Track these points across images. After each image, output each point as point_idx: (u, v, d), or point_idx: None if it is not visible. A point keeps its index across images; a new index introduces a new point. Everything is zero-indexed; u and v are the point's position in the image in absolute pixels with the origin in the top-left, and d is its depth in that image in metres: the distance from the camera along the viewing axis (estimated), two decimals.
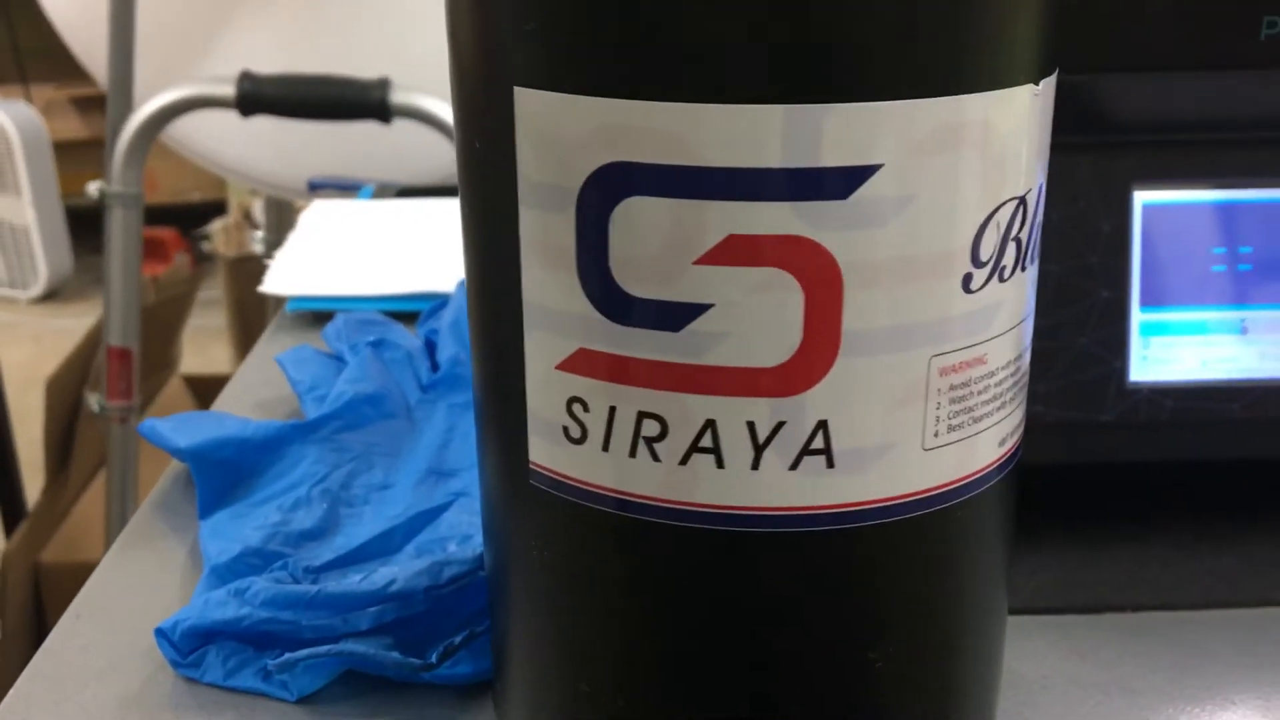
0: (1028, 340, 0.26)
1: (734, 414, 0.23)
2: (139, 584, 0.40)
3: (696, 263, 0.22)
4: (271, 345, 0.60)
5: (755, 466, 0.23)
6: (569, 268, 0.23)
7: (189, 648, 0.35)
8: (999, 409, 0.25)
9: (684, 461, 0.23)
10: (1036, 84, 0.23)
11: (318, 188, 1.17)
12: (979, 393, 0.24)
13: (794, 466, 0.23)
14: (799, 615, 0.25)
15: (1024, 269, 0.25)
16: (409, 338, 0.55)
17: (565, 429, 0.24)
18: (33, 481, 1.54)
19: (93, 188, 1.13)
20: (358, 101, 1.05)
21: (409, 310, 0.62)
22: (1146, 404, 0.38)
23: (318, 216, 0.77)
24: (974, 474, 0.25)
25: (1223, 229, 0.38)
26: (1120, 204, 0.38)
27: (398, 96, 1.05)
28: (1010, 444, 0.26)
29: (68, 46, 1.34)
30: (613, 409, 0.24)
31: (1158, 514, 0.41)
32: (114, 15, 1.14)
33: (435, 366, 0.53)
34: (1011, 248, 0.24)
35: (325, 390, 0.49)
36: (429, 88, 1.05)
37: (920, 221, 0.22)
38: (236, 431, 0.44)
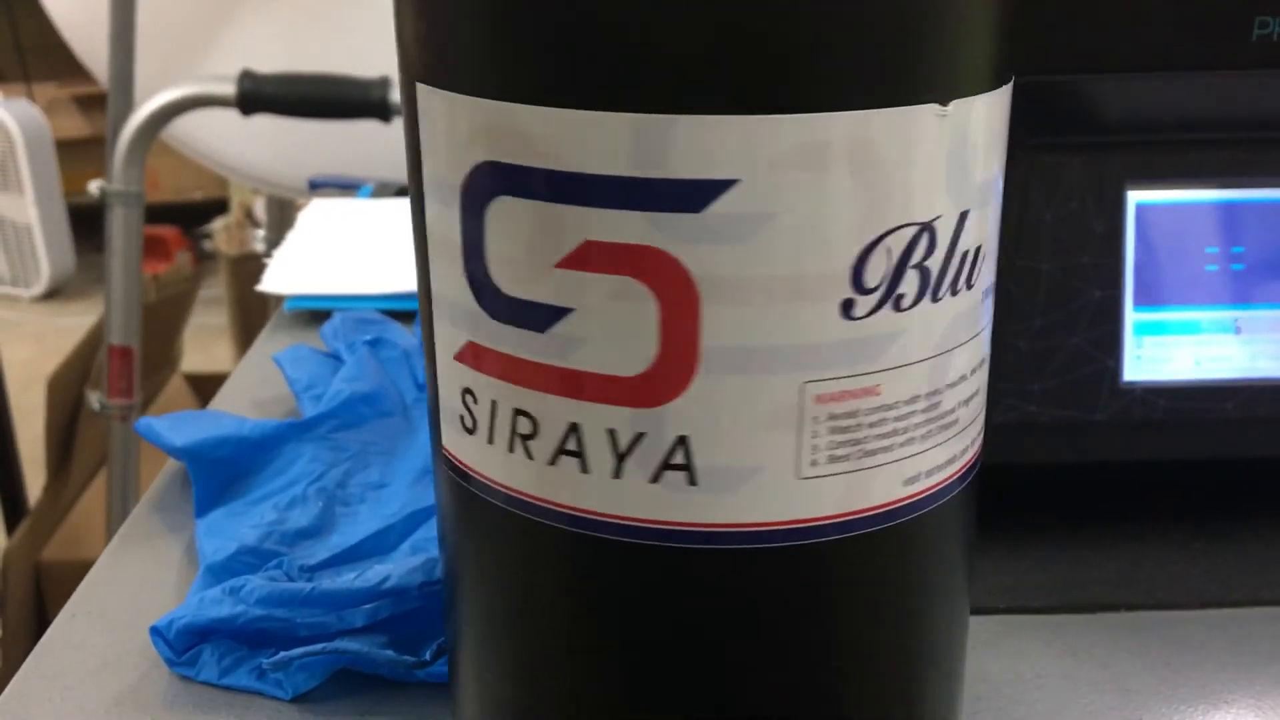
0: (957, 374, 0.24)
1: (596, 420, 0.23)
2: (135, 582, 0.40)
3: (557, 266, 0.22)
4: (269, 344, 0.61)
5: (617, 475, 0.23)
6: (458, 262, 0.24)
7: (184, 646, 0.35)
8: (903, 445, 0.24)
9: (552, 462, 0.23)
10: (944, 104, 0.22)
11: (318, 186, 1.17)
12: (871, 425, 0.23)
13: (655, 480, 0.23)
14: (661, 633, 0.24)
15: (935, 299, 0.23)
16: (406, 336, 0.55)
17: (461, 418, 0.25)
18: (34, 479, 1.54)
19: (94, 186, 1.13)
20: (358, 100, 1.05)
21: (406, 309, 0.62)
22: (1140, 403, 0.38)
23: (316, 215, 0.77)
24: (869, 510, 0.24)
25: (1216, 229, 0.38)
26: (1113, 204, 0.38)
27: (398, 95, 1.05)
28: (926, 484, 0.24)
29: (69, 45, 1.34)
30: (494, 403, 0.24)
31: (1151, 513, 0.41)
32: (115, 14, 1.15)
33: None
34: (913, 276, 0.22)
35: (322, 389, 0.50)
36: None
37: (785, 241, 0.21)
38: (233, 430, 0.44)
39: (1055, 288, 0.38)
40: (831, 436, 0.23)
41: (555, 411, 0.23)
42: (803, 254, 0.21)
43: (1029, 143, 0.37)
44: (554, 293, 0.22)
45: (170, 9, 1.23)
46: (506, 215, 0.22)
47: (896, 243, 0.22)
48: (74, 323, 2.75)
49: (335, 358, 0.53)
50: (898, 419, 0.23)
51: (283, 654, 0.34)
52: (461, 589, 0.27)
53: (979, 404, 0.26)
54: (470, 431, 0.25)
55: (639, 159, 0.21)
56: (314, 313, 0.64)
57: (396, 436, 0.47)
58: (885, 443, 0.23)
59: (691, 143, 0.21)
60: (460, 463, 0.25)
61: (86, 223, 3.07)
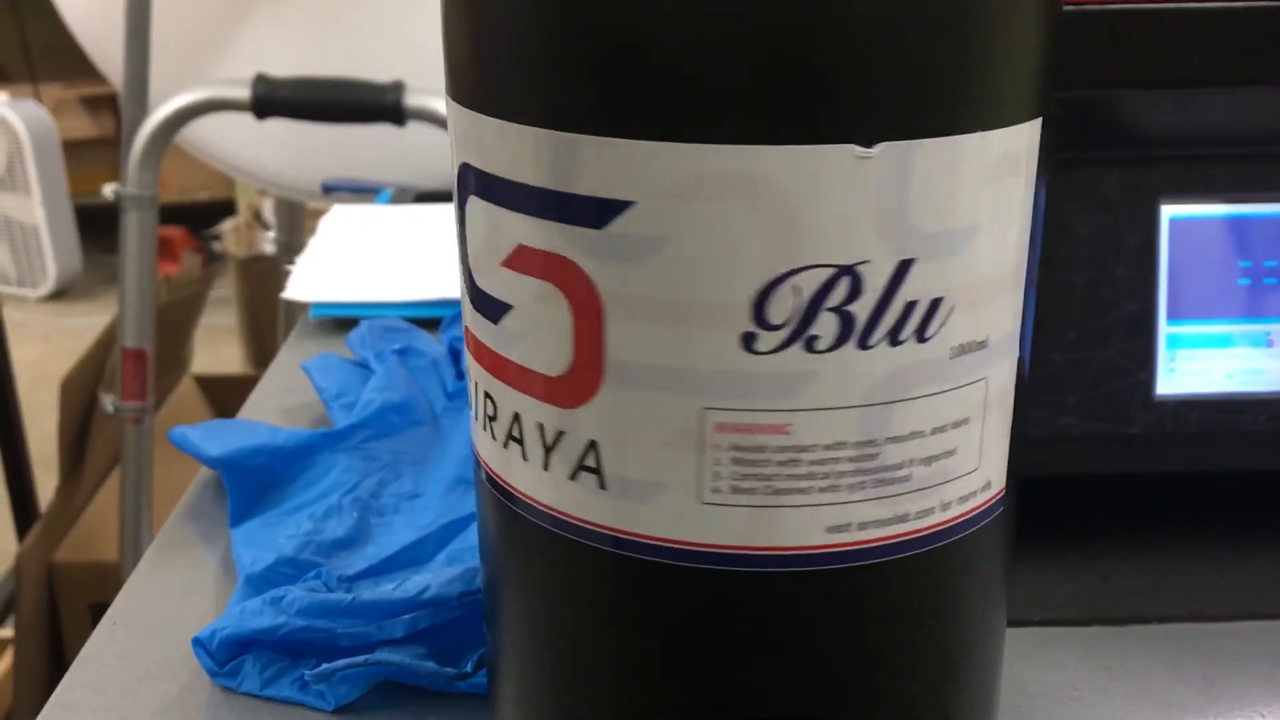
0: (907, 429, 0.23)
1: (529, 412, 0.24)
2: (173, 592, 0.40)
3: (502, 265, 0.24)
4: (294, 351, 0.61)
5: (546, 467, 0.24)
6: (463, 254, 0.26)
7: (226, 657, 0.36)
8: (823, 490, 0.23)
9: (505, 445, 0.25)
10: (868, 145, 0.21)
11: (332, 190, 1.17)
12: (780, 464, 0.22)
13: (572, 477, 0.24)
14: (575, 616, 0.26)
15: (865, 347, 0.22)
16: (434, 345, 0.55)
17: (470, 396, 0.27)
18: (43, 480, 1.55)
19: (108, 190, 1.13)
20: (372, 104, 1.06)
21: (431, 316, 0.63)
22: (1173, 416, 0.39)
23: (337, 221, 0.77)
24: (782, 549, 0.23)
25: (1249, 242, 0.39)
26: (1147, 218, 0.38)
27: (412, 99, 1.05)
28: (860, 536, 0.23)
29: (82, 48, 1.34)
30: (475, 384, 0.26)
31: (1184, 526, 0.42)
32: (130, 18, 1.15)
33: (460, 374, 0.53)
34: (832, 319, 0.22)
35: (352, 398, 0.50)
36: (443, 91, 1.05)
37: (678, 267, 0.21)
38: (267, 440, 0.44)
39: (1089, 301, 0.38)
40: (735, 467, 0.23)
41: (505, 399, 0.25)
42: (698, 281, 0.22)
43: (1063, 157, 0.37)
44: (501, 288, 0.24)
45: (184, 13, 1.23)
46: (474, 214, 0.25)
47: (807, 282, 0.21)
48: (81, 323, 2.76)
49: (363, 366, 0.53)
50: (814, 462, 0.23)
51: (325, 665, 0.34)
52: (492, 593, 0.29)
53: (964, 464, 0.24)
54: (476, 418, 0.27)
55: (554, 173, 0.22)
56: (339, 320, 0.64)
57: (428, 446, 0.47)
58: (801, 484, 0.23)
59: (593, 163, 0.22)
60: (482, 461, 0.27)
61: (93, 223, 3.07)
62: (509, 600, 0.27)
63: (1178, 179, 0.38)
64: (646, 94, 0.21)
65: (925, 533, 0.24)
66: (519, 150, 0.23)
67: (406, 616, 0.35)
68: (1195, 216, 0.38)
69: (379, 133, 1.08)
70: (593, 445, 0.23)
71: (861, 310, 0.22)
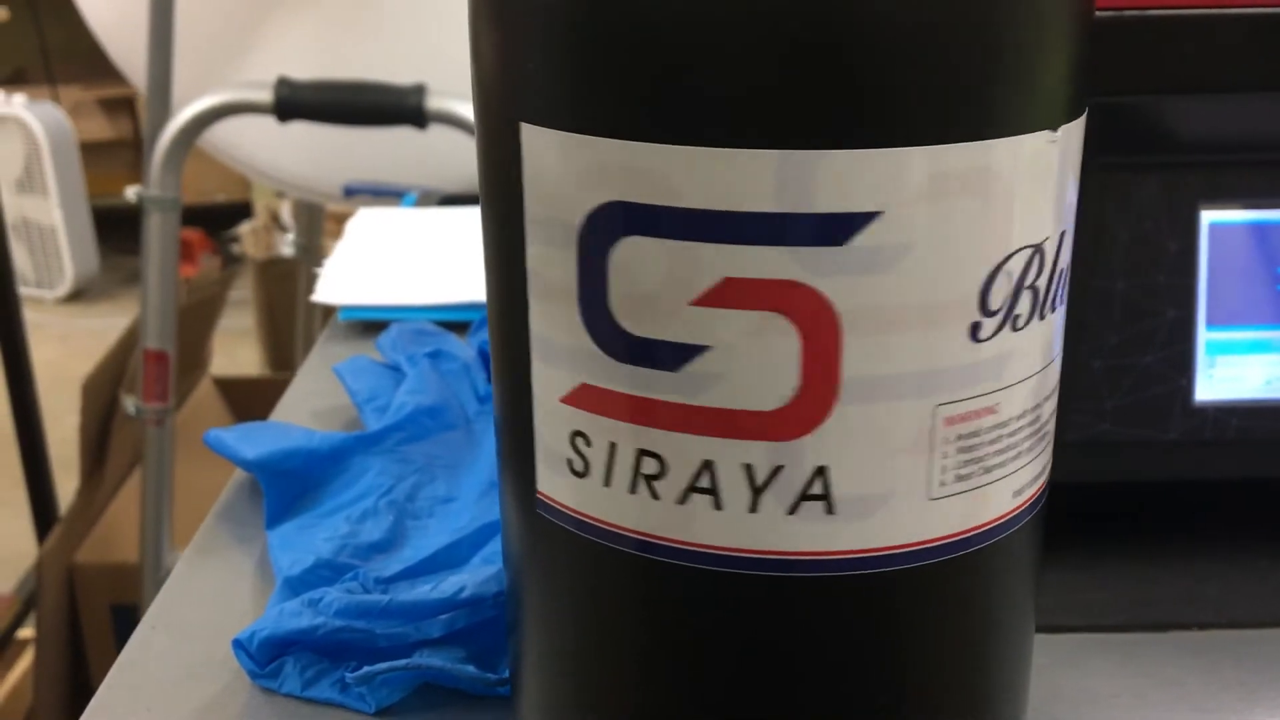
0: (1050, 388, 0.25)
1: (731, 456, 0.23)
2: (210, 594, 0.41)
3: (693, 304, 0.22)
4: (324, 354, 0.61)
5: (754, 509, 0.23)
6: (572, 303, 0.23)
7: (266, 658, 0.36)
8: (1013, 459, 0.24)
9: (682, 501, 0.23)
10: (1055, 130, 0.23)
11: (354, 193, 1.17)
12: (990, 443, 0.24)
13: (792, 511, 0.23)
14: (797, 661, 0.24)
15: (1042, 317, 0.24)
16: (464, 348, 0.55)
17: (569, 462, 0.25)
18: (61, 480, 1.55)
19: (131, 192, 1.14)
20: (394, 107, 1.06)
21: (460, 320, 0.63)
22: (1212, 423, 0.39)
23: (364, 224, 0.77)
24: (985, 525, 0.24)
25: None
26: (1187, 223, 0.38)
27: (433, 102, 1.05)
28: (1028, 494, 0.25)
29: (102, 51, 1.35)
30: (613, 445, 0.24)
31: (1223, 532, 0.42)
32: (153, 21, 1.15)
33: (490, 378, 0.53)
34: (1026, 297, 0.23)
35: (384, 401, 0.50)
36: (464, 94, 1.06)
37: (921, 270, 0.22)
38: (303, 443, 0.44)
39: (1129, 307, 0.38)
40: (958, 456, 0.23)
41: (687, 450, 0.23)
42: (937, 281, 0.22)
43: (1103, 162, 0.37)
44: (689, 331, 0.22)
45: (207, 16, 1.24)
46: (635, 255, 0.22)
47: (1016, 265, 0.23)
48: (98, 324, 2.77)
49: (394, 369, 0.53)
50: (1010, 435, 0.24)
51: (366, 668, 0.34)
52: (554, 636, 0.27)
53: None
54: (581, 475, 0.24)
55: (783, 195, 0.21)
56: (367, 323, 0.65)
57: (460, 450, 0.47)
58: (1000, 459, 0.24)
59: (837, 177, 0.21)
60: (565, 507, 0.25)
61: (110, 225, 3.09)
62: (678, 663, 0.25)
63: (1217, 184, 0.38)
64: (891, 100, 0.21)
65: (1048, 479, 0.27)
66: (729, 176, 0.21)
67: (444, 617, 0.35)
68: (1235, 222, 0.38)
69: (400, 135, 1.08)
70: (820, 471, 0.23)
71: (1042, 283, 0.24)
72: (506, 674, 0.35)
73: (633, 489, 0.24)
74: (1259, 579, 0.39)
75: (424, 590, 0.36)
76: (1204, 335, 0.38)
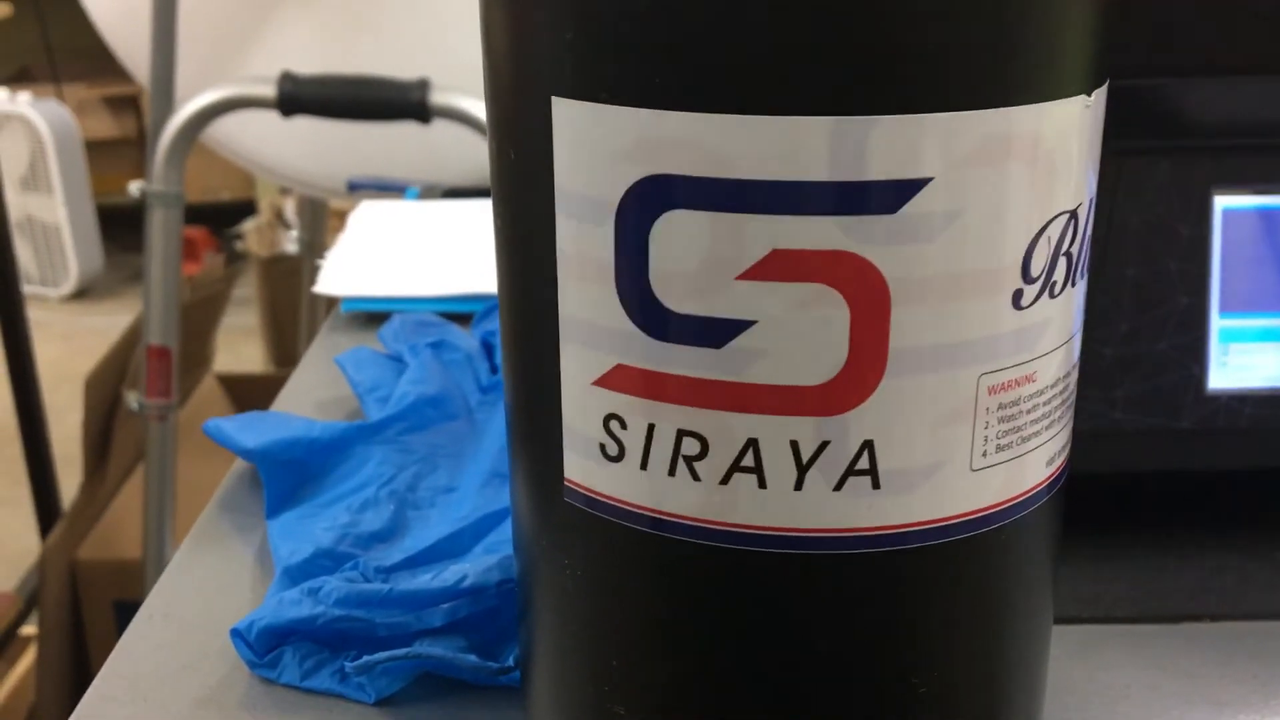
0: (1076, 356, 0.25)
1: (777, 433, 0.22)
2: (209, 583, 0.40)
3: (739, 278, 0.21)
4: (326, 345, 0.61)
5: (798, 487, 0.23)
6: (607, 282, 0.23)
7: (265, 648, 0.35)
8: (1047, 428, 0.24)
9: (725, 481, 0.23)
10: (1089, 95, 0.23)
11: (357, 188, 1.17)
12: (1028, 411, 0.24)
13: (838, 487, 0.23)
14: (842, 638, 0.24)
15: (1074, 284, 0.24)
16: (467, 339, 0.55)
17: (602, 446, 0.24)
18: (65, 477, 1.55)
19: (134, 187, 1.13)
20: (397, 102, 1.06)
21: (462, 311, 0.62)
22: (1225, 411, 0.38)
23: (367, 216, 0.77)
24: (1022, 495, 0.24)
25: None
26: (1200, 209, 0.38)
27: (437, 97, 1.05)
28: (1058, 463, 0.25)
29: (106, 48, 1.35)
30: (651, 426, 0.23)
31: (1235, 522, 0.41)
32: (156, 16, 1.15)
33: (494, 368, 0.53)
34: (1062, 263, 0.23)
35: (386, 391, 0.49)
36: (468, 88, 1.05)
37: (969, 236, 0.22)
38: (303, 432, 0.44)
39: (1141, 293, 0.37)
40: (999, 426, 0.23)
41: (730, 428, 0.22)
42: (986, 247, 0.22)
43: (1116, 147, 0.37)
44: (734, 306, 0.22)
45: (210, 11, 1.23)
46: (678, 230, 0.22)
47: (1054, 231, 0.23)
48: (102, 322, 2.77)
49: (396, 360, 0.53)
50: (1046, 403, 0.24)
51: (366, 658, 0.34)
52: (582, 624, 0.26)
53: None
54: (615, 459, 0.24)
55: (835, 163, 0.21)
56: (369, 315, 0.64)
57: (463, 440, 0.46)
58: (1036, 427, 0.24)
59: (891, 144, 0.21)
60: (595, 493, 0.24)
61: (115, 223, 3.09)
62: (723, 646, 0.24)
63: (1230, 169, 0.38)
64: (943, 65, 0.20)
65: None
66: (780, 145, 0.20)
67: (445, 606, 0.35)
68: (1248, 208, 0.38)
69: (404, 130, 1.08)
70: (867, 445, 0.22)
71: (1075, 249, 0.24)
72: (509, 663, 0.34)
73: (672, 471, 0.23)
74: (1273, 569, 0.39)
75: (425, 579, 0.35)
76: (1217, 322, 0.38)
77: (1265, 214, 0.38)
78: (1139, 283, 0.37)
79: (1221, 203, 0.38)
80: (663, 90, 0.21)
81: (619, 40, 0.21)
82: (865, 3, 0.20)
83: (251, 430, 0.44)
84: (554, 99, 0.22)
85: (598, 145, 0.22)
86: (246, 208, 2.96)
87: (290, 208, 2.20)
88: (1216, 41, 0.36)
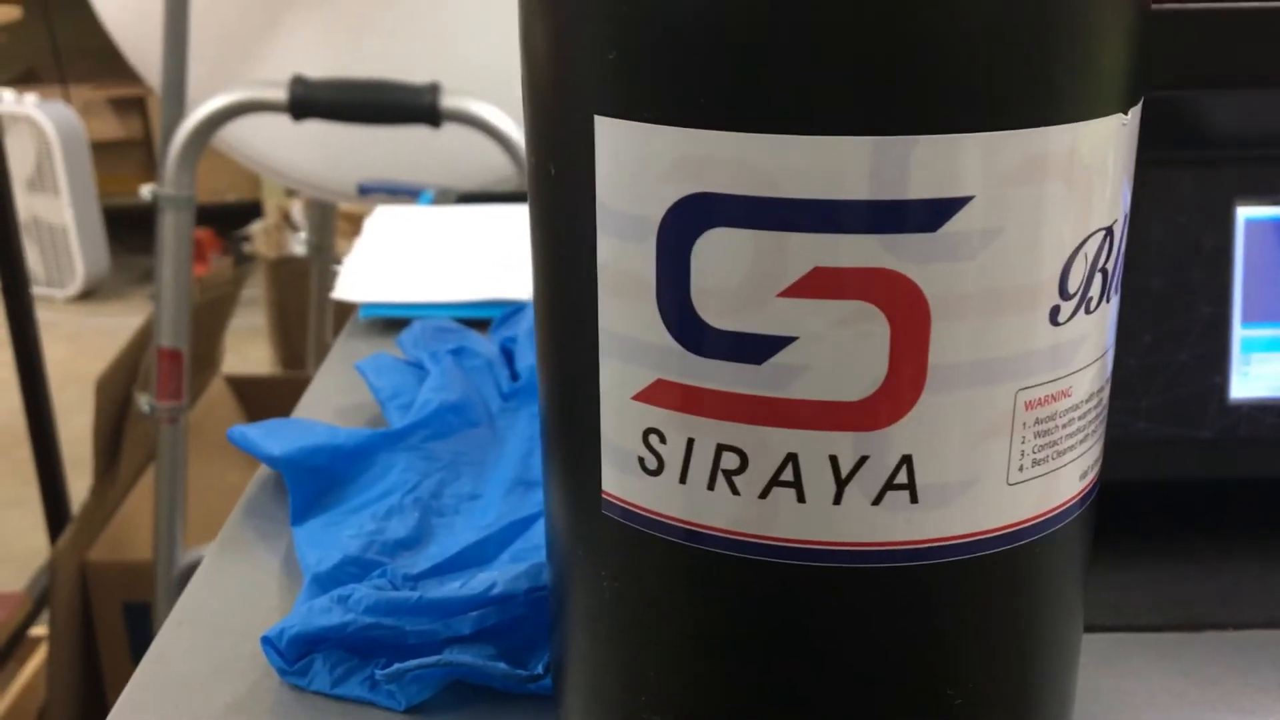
0: (1109, 371, 0.26)
1: (816, 448, 0.23)
2: (236, 590, 0.40)
3: (780, 295, 0.22)
4: (345, 351, 0.61)
5: (837, 501, 0.23)
6: (648, 298, 0.23)
7: (295, 655, 0.35)
8: (1081, 442, 0.25)
9: (764, 495, 0.23)
10: (1125, 113, 0.23)
11: (368, 192, 1.17)
12: (1063, 426, 0.24)
13: (877, 501, 0.23)
14: (878, 652, 0.24)
15: (1109, 300, 0.24)
16: (487, 345, 0.55)
17: (641, 460, 0.24)
18: (73, 479, 1.56)
19: (146, 190, 1.14)
20: (408, 106, 1.06)
21: (480, 317, 0.62)
22: (1247, 421, 0.38)
23: (383, 221, 0.77)
24: (1056, 509, 0.25)
25: None
26: (1222, 219, 0.38)
27: (448, 101, 1.05)
28: (1091, 476, 0.26)
29: (116, 50, 1.35)
30: (691, 441, 0.23)
31: (1260, 531, 0.41)
32: (168, 19, 1.15)
33: (514, 375, 0.53)
34: (1098, 279, 0.24)
35: (407, 398, 0.50)
36: (478, 92, 1.06)
37: (1009, 254, 0.22)
38: (328, 439, 0.44)
39: (1164, 304, 0.38)
40: (1036, 440, 0.23)
41: (770, 443, 0.23)
42: (1024, 265, 0.22)
43: (1139, 157, 0.37)
44: (775, 323, 0.22)
45: (222, 14, 1.24)
46: (720, 248, 0.22)
47: (1091, 247, 0.23)
48: (109, 323, 2.77)
49: (417, 366, 0.53)
50: (1081, 417, 0.24)
51: (396, 665, 0.34)
52: (617, 636, 0.26)
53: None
54: (654, 473, 0.24)
55: (877, 182, 0.21)
56: (388, 320, 0.64)
57: (485, 447, 0.47)
58: (1071, 441, 0.24)
59: (932, 163, 0.21)
60: (634, 506, 0.25)
61: (121, 224, 3.09)
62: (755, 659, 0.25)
63: (1253, 180, 0.38)
64: (984, 85, 0.21)
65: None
66: (823, 165, 0.21)
67: (474, 613, 0.35)
68: (1271, 218, 0.38)
69: (414, 134, 1.08)
70: (905, 460, 0.23)
71: (1110, 265, 0.24)
72: (538, 670, 0.34)
73: (711, 485, 0.23)
74: None
75: (454, 587, 0.36)
76: (1239, 333, 0.38)
77: None
78: (1162, 293, 0.38)
79: (1244, 213, 0.38)
80: (705, 110, 0.21)
81: (662, 60, 0.21)
82: (906, 24, 0.20)
83: (276, 437, 0.45)
84: (597, 118, 0.23)
85: (640, 164, 0.22)
86: (252, 209, 2.96)
87: (297, 210, 2.20)
88: (1240, 53, 0.37)
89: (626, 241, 0.23)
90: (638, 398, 0.24)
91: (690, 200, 0.22)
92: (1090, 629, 0.37)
